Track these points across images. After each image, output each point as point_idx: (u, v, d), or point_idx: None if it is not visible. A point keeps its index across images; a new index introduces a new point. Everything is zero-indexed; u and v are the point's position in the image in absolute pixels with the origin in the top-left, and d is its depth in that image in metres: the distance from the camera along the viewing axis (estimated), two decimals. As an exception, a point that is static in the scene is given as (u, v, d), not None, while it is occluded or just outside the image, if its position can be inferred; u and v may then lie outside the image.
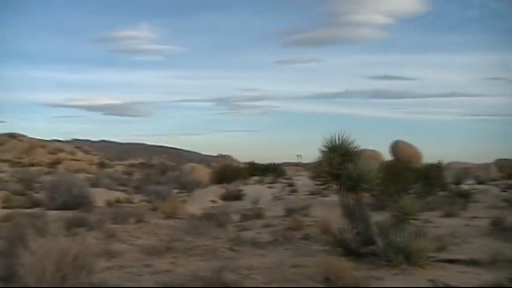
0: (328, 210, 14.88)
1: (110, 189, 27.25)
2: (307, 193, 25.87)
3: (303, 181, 30.84)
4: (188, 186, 30.53)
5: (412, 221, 9.71)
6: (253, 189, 29.94)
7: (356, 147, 9.58)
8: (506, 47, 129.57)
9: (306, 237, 11.97)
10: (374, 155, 39.10)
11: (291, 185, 33.72)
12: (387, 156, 35.69)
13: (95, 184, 27.80)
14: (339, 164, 9.19)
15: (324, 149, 9.52)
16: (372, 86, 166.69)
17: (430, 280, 7.64)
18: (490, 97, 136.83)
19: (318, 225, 12.69)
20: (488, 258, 8.87)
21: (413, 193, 17.88)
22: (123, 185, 33.32)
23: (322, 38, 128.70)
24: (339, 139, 9.47)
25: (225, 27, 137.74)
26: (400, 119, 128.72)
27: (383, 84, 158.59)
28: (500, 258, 8.77)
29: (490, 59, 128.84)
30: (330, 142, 9.47)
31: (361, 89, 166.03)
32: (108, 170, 52.08)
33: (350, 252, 9.10)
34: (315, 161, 9.74)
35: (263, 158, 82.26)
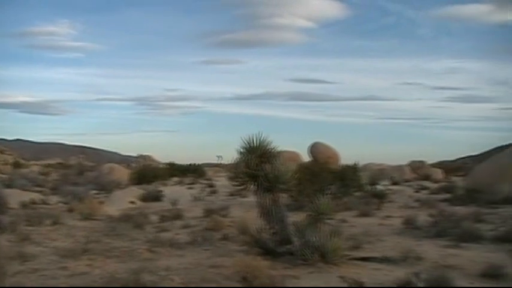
0: (247, 210, 15.04)
1: (25, 190, 26.20)
2: (227, 194, 25.91)
3: (223, 182, 30.84)
4: (106, 187, 29.85)
5: (328, 221, 9.90)
6: (173, 190, 29.72)
7: (274, 148, 9.67)
8: (421, 53, 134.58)
9: (225, 238, 11.98)
10: (293, 156, 39.63)
11: (211, 185, 33.63)
12: (306, 158, 36.36)
13: (9, 185, 26.74)
14: (257, 165, 9.26)
15: (241, 150, 9.57)
16: (293, 89, 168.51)
17: (340, 277, 7.85)
18: (405, 101, 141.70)
19: (237, 226, 12.74)
20: (399, 255, 9.20)
21: (330, 194, 18.23)
22: (39, 185, 32.09)
23: (245, 40, 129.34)
24: (256, 140, 9.54)
25: (148, 26, 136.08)
26: (320, 121, 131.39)
27: (303, 87, 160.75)
28: (410, 255, 9.13)
29: (406, 64, 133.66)
30: (248, 143, 9.53)
31: (282, 91, 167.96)
32: (24, 170, 50.19)
33: (267, 252, 9.19)
34: (233, 162, 9.77)
35: (184, 158, 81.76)
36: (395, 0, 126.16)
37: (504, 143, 24.41)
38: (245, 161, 9.32)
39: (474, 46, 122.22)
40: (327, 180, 18.63)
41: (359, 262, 9.11)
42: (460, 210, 15.54)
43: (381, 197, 20.04)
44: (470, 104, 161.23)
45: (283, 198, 10.00)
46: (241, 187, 9.82)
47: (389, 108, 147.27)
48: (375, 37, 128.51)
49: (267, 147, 9.54)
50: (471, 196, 19.75)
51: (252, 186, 9.57)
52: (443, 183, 30.74)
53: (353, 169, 20.49)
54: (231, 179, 9.80)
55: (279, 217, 9.27)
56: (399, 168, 44.78)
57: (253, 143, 9.50)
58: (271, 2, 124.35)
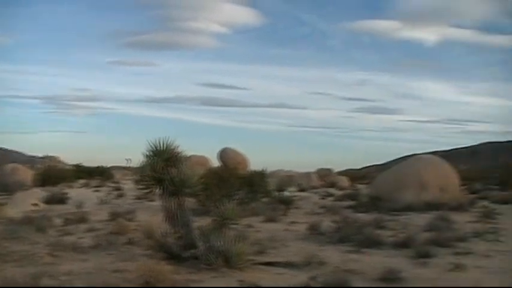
0: (153, 214, 14.82)
1: None
2: (134, 197, 25.47)
3: (131, 185, 30.35)
4: (9, 188, 28.75)
5: (234, 226, 9.92)
6: (79, 193, 29.01)
7: (180, 152, 9.60)
8: (332, 64, 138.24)
9: (130, 242, 11.78)
10: (203, 161, 39.57)
11: (118, 188, 33.08)
12: (216, 163, 36.44)
13: None
14: (162, 168, 9.17)
15: (147, 153, 9.44)
16: (205, 93, 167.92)
17: (240, 281, 7.91)
18: (315, 110, 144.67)
19: (142, 230, 12.54)
20: (303, 260, 9.35)
21: (238, 199, 18.31)
22: None
23: (158, 42, 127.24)
24: (163, 144, 9.44)
25: (59, 22, 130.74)
26: (231, 126, 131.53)
27: (215, 92, 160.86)
28: (313, 260, 9.30)
29: (317, 74, 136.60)
30: (154, 146, 9.41)
31: (194, 95, 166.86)
32: None
33: (172, 256, 9.12)
34: (139, 165, 9.61)
35: (92, 160, 79.79)
36: (310, 11, 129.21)
37: (408, 153, 25.56)
38: (151, 165, 9.19)
39: (382, 59, 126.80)
40: (234, 185, 18.69)
41: (263, 267, 9.19)
42: (363, 217, 16.02)
43: (287, 203, 20.32)
44: (377, 115, 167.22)
45: (190, 202, 9.96)
46: (147, 191, 9.68)
47: (299, 116, 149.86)
48: (288, 46, 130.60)
49: (174, 151, 9.47)
50: (374, 203, 20.43)
51: (157, 190, 9.46)
52: (348, 191, 31.61)
53: (261, 175, 20.67)
54: (136, 182, 9.62)
55: (184, 221, 9.21)
56: (307, 175, 45.71)
57: (160, 147, 9.40)
58: (186, 5, 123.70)
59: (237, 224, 9.73)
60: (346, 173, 59.77)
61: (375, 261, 9.80)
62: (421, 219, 15.91)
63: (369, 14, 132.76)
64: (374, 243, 11.39)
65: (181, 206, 9.18)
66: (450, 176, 22.11)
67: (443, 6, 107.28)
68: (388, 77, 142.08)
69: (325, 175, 49.99)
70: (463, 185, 40.89)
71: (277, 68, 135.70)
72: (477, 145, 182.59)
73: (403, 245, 11.24)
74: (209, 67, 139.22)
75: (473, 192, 33.82)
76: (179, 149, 9.58)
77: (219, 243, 8.85)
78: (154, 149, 9.37)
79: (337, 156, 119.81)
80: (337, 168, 57.76)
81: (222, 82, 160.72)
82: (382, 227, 14.22)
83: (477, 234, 13.14)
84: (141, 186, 9.66)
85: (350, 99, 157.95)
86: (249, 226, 14.58)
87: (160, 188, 9.33)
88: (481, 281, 8.39)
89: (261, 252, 10.31)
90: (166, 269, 7.54)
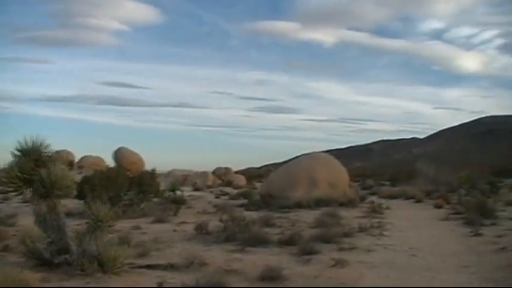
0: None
1: None
2: (21, 201, 24.17)
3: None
4: None
5: (118, 228, 9.54)
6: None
7: (51, 151, 9.04)
8: (232, 64, 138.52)
9: (5, 249, 11.02)
10: (98, 161, 38.49)
11: (2, 192, 31.31)
12: (111, 163, 35.47)
13: None
14: (32, 169, 8.59)
15: (16, 152, 8.81)
16: (104, 92, 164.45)
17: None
18: (215, 109, 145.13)
19: (19, 235, 11.81)
20: (185, 261, 9.07)
21: (127, 200, 17.81)
22: None
23: (55, 38, 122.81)
24: (32, 143, 8.84)
25: None
26: (129, 126, 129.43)
27: (115, 91, 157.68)
28: (196, 262, 9.04)
29: (217, 74, 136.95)
30: (22, 146, 8.80)
31: (92, 94, 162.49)
32: None
33: (44, 263, 8.57)
34: (6, 165, 8.95)
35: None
36: (211, 10, 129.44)
37: (306, 152, 26.17)
38: (19, 165, 8.59)
39: (282, 60, 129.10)
40: (124, 186, 18.10)
41: (143, 270, 8.84)
42: (253, 215, 15.93)
43: (179, 203, 20.00)
44: (277, 115, 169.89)
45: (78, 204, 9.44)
46: (16, 193, 9.04)
47: (200, 115, 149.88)
48: (189, 45, 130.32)
49: (44, 151, 8.90)
50: (265, 201, 20.50)
51: (27, 192, 8.86)
52: (244, 189, 31.68)
53: (151, 175, 20.18)
54: (4, 183, 8.93)
55: (57, 225, 8.67)
56: (203, 174, 45.46)
57: (28, 146, 8.80)
58: (86, 0, 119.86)
59: (112, 226, 9.25)
60: (246, 171, 60.18)
61: (258, 259, 9.68)
62: (311, 215, 16.10)
63: (269, 15, 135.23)
64: (260, 242, 11.29)
65: (52, 209, 8.63)
66: (340, 172, 22.61)
67: (340, 9, 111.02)
68: (287, 77, 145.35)
69: (222, 174, 50.16)
70: (356, 182, 42.55)
71: (178, 67, 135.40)
72: (371, 143, 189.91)
73: (288, 242, 11.23)
74: (108, 65, 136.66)
75: (366, 188, 35.04)
76: (49, 148, 9.00)
77: (93, 247, 8.41)
78: (23, 148, 8.76)
79: (237, 155, 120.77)
80: (237, 167, 58.03)
81: (121, 81, 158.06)
82: (270, 225, 14.24)
83: (363, 229, 13.43)
84: (9, 188, 9.00)
85: (250, 98, 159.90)
86: (137, 228, 14.15)
87: (30, 190, 8.74)
88: (362, 276, 8.49)
89: (143, 255, 9.94)
90: (32, 277, 7.04)
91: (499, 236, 12.54)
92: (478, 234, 12.99)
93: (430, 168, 32.93)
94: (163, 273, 8.64)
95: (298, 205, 19.20)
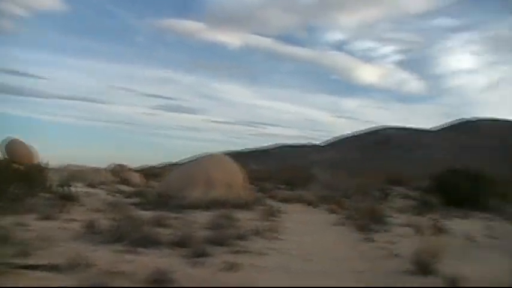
0: None
1: None
2: None
3: None
4: None
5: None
6: None
7: None
8: (137, 60, 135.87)
9: None
10: (-15, 153, 36.32)
11: None
12: (2, 155, 33.89)
13: None
14: None
15: None
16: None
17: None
18: (117, 105, 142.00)
19: None
20: (70, 262, 8.56)
21: (12, 194, 16.82)
22: None
23: None
24: None
25: None
26: (22, 117, 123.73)
27: (11, 80, 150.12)
28: (81, 262, 8.55)
29: (121, 69, 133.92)
30: None
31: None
32: None
33: None
34: None
35: None
36: (118, 4, 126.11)
37: (204, 152, 25.78)
38: None
39: (187, 59, 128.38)
40: (9, 179, 17.05)
41: (25, 271, 8.24)
42: (148, 214, 15.45)
43: (69, 199, 19.14)
44: (179, 114, 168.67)
45: None
46: None
47: (100, 110, 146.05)
48: (93, 37, 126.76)
49: None
50: (161, 201, 20.03)
51: None
52: (139, 188, 30.95)
53: (39, 168, 19.19)
54: None
55: None
56: (98, 171, 44.02)
57: None
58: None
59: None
60: (144, 170, 59.10)
61: (149, 261, 9.29)
62: (206, 217, 15.80)
63: (177, 13, 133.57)
64: (151, 242, 10.91)
65: None
66: (237, 174, 22.52)
67: (247, 14, 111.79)
68: (192, 76, 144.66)
69: (118, 171, 48.94)
70: (254, 184, 42.78)
71: (79, 59, 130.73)
72: (270, 147, 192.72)
73: (180, 244, 10.90)
74: (3, 52, 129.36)
75: (262, 191, 35.20)
76: None
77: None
78: None
79: (136, 152, 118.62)
80: (136, 164, 56.90)
81: (16, 69, 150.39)
82: (164, 225, 13.83)
83: (257, 233, 13.35)
84: None
85: (153, 96, 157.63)
86: (20, 224, 13.27)
87: None
88: (254, 280, 8.35)
89: (24, 254, 9.28)
90: None
91: (390, 242, 12.90)
92: (370, 240, 13.32)
93: (326, 174, 33.64)
94: (45, 274, 8.11)
95: (195, 205, 18.87)
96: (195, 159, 24.58)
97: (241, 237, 12.25)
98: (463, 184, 26.10)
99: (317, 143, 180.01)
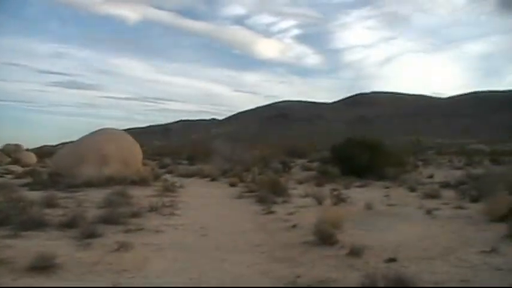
0: None
1: None
2: None
3: None
4: None
5: None
6: None
7: None
8: (28, 34, 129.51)
9: None
10: None
11: None
12: None
13: None
14: None
15: None
16: None
17: None
18: (8, 83, 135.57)
19: None
20: None
21: None
22: None
23: None
24: None
25: None
26: None
27: None
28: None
29: (11, 44, 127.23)
30: None
31: None
32: None
33: None
34: None
35: None
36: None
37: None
38: None
39: (82, 34, 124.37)
40: None
41: None
42: (37, 195, 14.51)
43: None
44: (75, 90, 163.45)
45: None
46: None
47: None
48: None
49: None
50: (53, 180, 19.01)
51: None
52: (31, 168, 29.50)
53: None
54: None
55: None
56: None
57: None
58: None
59: None
60: (40, 149, 56.77)
61: (33, 246, 8.55)
62: (100, 195, 15.02)
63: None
64: (38, 225, 10.10)
65: None
66: (133, 150, 21.71)
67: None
68: (88, 51, 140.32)
69: (12, 151, 46.97)
70: (155, 160, 42.12)
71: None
72: (171, 123, 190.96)
73: (70, 225, 10.20)
74: None
75: (163, 167, 34.71)
76: None
77: None
78: None
79: (32, 131, 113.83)
80: (32, 145, 54.33)
81: None
82: (53, 206, 12.99)
83: (153, 209, 12.85)
84: None
85: (47, 72, 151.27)
86: None
87: None
88: (147, 260, 7.92)
89: None
90: None
91: (290, 214, 12.78)
92: (270, 212, 13.16)
93: (226, 147, 33.38)
94: None
95: (88, 184, 17.97)
96: (86, 135, 22.75)
97: (135, 215, 11.70)
98: (360, 154, 26.63)
99: (218, 117, 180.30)
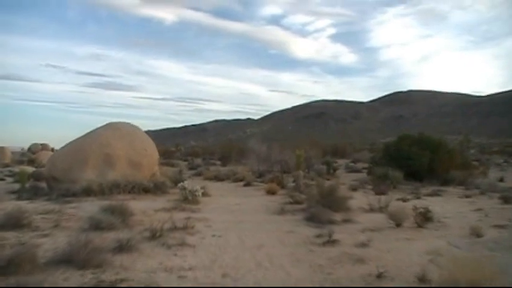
0: None
1: None
2: None
3: None
4: None
5: None
6: None
7: None
8: (67, 36, 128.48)
9: None
10: None
11: None
12: None
13: None
14: None
15: None
16: None
17: None
18: (48, 84, 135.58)
19: None
20: None
21: None
22: None
23: None
24: None
25: None
26: None
27: None
28: None
29: (51, 46, 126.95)
30: None
31: None
32: None
33: None
34: None
35: None
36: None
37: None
38: None
39: (120, 35, 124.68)
40: None
41: None
42: (20, 205, 10.64)
43: None
44: (112, 91, 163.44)
45: None
46: None
47: (29, 89, 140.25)
48: (20, 12, 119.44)
49: None
50: (49, 186, 15.30)
51: None
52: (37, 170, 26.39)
53: None
54: None
55: None
56: (3, 150, 38.46)
57: None
58: None
59: None
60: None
61: None
62: (96, 208, 10.94)
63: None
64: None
65: None
66: (147, 149, 16.97)
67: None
68: (125, 53, 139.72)
69: (39, 150, 45.52)
70: (185, 161, 39.08)
71: (5, 35, 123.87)
72: (207, 123, 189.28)
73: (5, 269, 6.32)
74: None
75: (192, 168, 32.02)
76: None
77: None
78: None
79: (69, 131, 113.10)
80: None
81: None
82: (20, 227, 9.11)
83: (155, 235, 8.77)
84: None
85: (86, 73, 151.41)
86: None
87: None
88: None
89: None
90: None
91: (363, 245, 8.43)
92: (330, 242, 8.62)
93: (262, 147, 29.29)
94: None
95: (88, 191, 13.94)
96: (89, 132, 17.53)
97: (122, 249, 7.50)
98: (420, 154, 22.39)
99: (253, 117, 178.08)
